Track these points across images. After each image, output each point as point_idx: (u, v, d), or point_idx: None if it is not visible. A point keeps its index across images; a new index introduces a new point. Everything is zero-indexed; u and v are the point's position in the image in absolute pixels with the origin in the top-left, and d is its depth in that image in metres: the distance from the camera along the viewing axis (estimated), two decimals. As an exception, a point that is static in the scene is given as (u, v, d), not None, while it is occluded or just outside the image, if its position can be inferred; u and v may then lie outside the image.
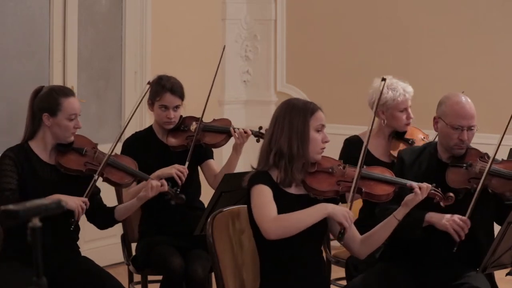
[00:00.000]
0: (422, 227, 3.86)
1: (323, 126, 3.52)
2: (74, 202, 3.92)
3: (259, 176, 3.47)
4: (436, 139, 4.16)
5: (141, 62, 6.66)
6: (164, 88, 4.59)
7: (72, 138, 4.07)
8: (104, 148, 4.25)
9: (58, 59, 6.08)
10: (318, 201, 3.51)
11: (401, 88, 4.63)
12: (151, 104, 4.67)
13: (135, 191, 4.49)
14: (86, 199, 3.99)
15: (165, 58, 6.79)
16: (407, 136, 4.70)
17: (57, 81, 6.07)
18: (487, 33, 6.64)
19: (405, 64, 6.77)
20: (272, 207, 3.38)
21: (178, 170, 4.50)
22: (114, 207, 4.20)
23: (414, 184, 3.63)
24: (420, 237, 3.88)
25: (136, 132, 4.89)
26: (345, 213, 3.42)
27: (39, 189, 3.92)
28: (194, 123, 4.69)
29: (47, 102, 4.02)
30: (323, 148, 3.54)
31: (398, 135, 4.69)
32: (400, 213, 3.58)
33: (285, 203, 3.43)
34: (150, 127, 4.77)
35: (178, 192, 4.26)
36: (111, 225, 4.25)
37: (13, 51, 5.85)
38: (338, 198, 3.62)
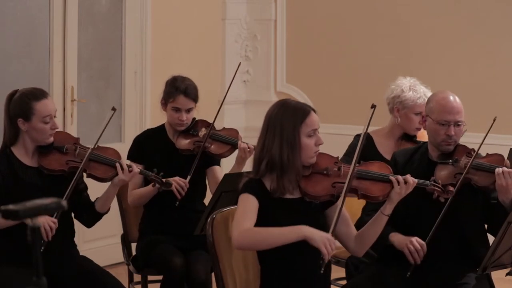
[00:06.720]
0: (385, 244, 3.87)
1: (315, 130, 3.41)
2: (41, 220, 3.76)
3: (250, 184, 3.40)
4: None
5: (141, 62, 6.66)
6: (178, 90, 4.57)
7: (51, 140, 4.02)
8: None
9: (58, 59, 6.08)
10: (314, 205, 3.46)
11: (422, 92, 4.63)
12: (164, 104, 4.65)
13: (141, 193, 4.49)
14: (55, 220, 3.89)
15: (165, 58, 6.79)
16: (417, 138, 4.69)
17: (57, 81, 6.07)
18: (487, 33, 6.64)
19: (405, 64, 6.76)
20: (250, 218, 3.30)
21: (177, 184, 4.46)
22: (95, 201, 4.15)
23: (394, 178, 3.49)
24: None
25: (148, 129, 4.89)
26: (325, 240, 3.23)
27: (22, 194, 3.75)
28: (203, 128, 4.65)
29: (20, 107, 3.97)
30: (317, 151, 3.44)
31: (408, 137, 4.69)
32: (386, 208, 3.49)
33: (280, 210, 3.38)
34: (162, 126, 4.74)
35: (163, 177, 4.21)
36: (97, 220, 4.18)
37: (13, 51, 5.85)
38: (334, 200, 3.50)
